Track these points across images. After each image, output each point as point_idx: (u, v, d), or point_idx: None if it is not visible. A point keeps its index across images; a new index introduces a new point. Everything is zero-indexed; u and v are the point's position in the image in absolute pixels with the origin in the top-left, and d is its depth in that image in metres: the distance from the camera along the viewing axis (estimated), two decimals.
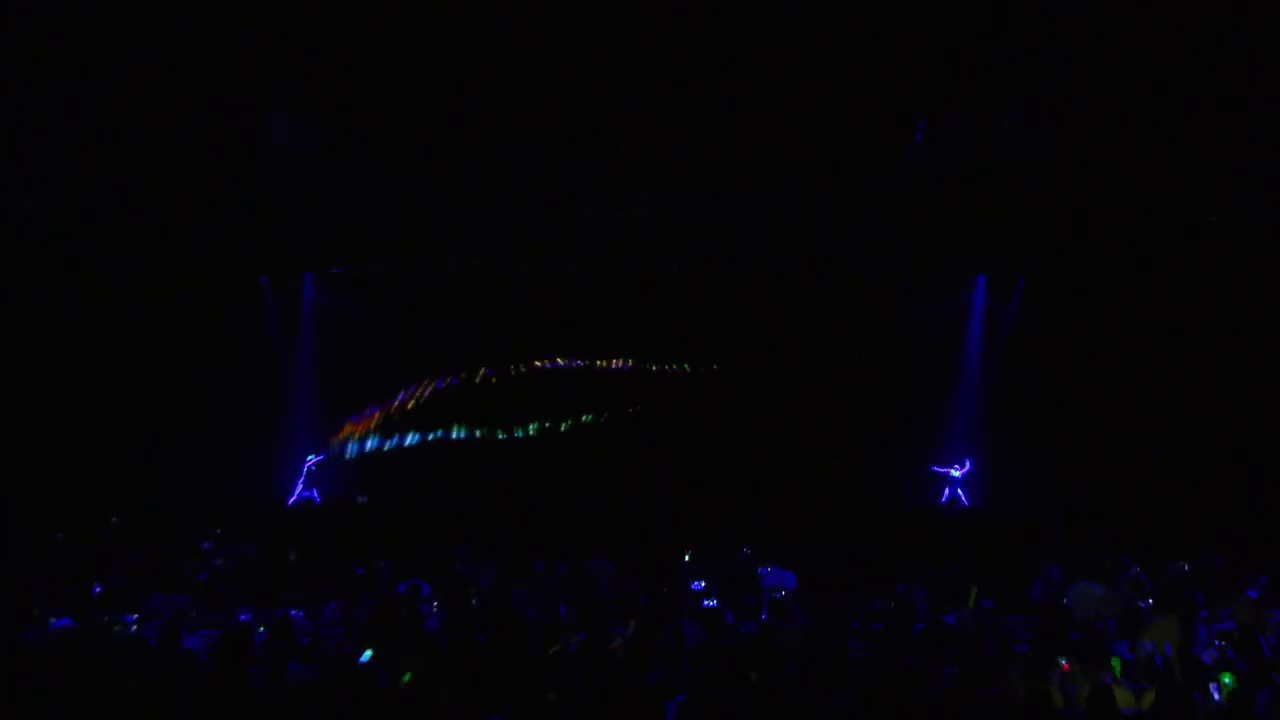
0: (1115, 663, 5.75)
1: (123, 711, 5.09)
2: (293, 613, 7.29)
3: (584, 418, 13.52)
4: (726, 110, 9.64)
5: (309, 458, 13.32)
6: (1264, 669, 5.25)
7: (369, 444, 13.83)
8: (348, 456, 13.76)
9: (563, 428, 13.62)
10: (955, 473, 12.45)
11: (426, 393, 13.80)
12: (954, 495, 12.46)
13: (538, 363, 13.83)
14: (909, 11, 8.60)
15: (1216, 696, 5.32)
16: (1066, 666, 5.45)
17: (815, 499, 12.03)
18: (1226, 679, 5.39)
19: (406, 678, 5.26)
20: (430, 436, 13.80)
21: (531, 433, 13.66)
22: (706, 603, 7.87)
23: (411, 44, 8.82)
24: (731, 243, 12.21)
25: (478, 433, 13.71)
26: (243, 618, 7.14)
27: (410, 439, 13.80)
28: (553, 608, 7.52)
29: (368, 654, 5.47)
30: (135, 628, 6.89)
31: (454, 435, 13.76)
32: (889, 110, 9.78)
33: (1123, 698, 5.26)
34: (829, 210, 11.82)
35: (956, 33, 8.79)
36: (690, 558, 9.51)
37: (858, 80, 9.25)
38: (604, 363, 13.80)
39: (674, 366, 13.74)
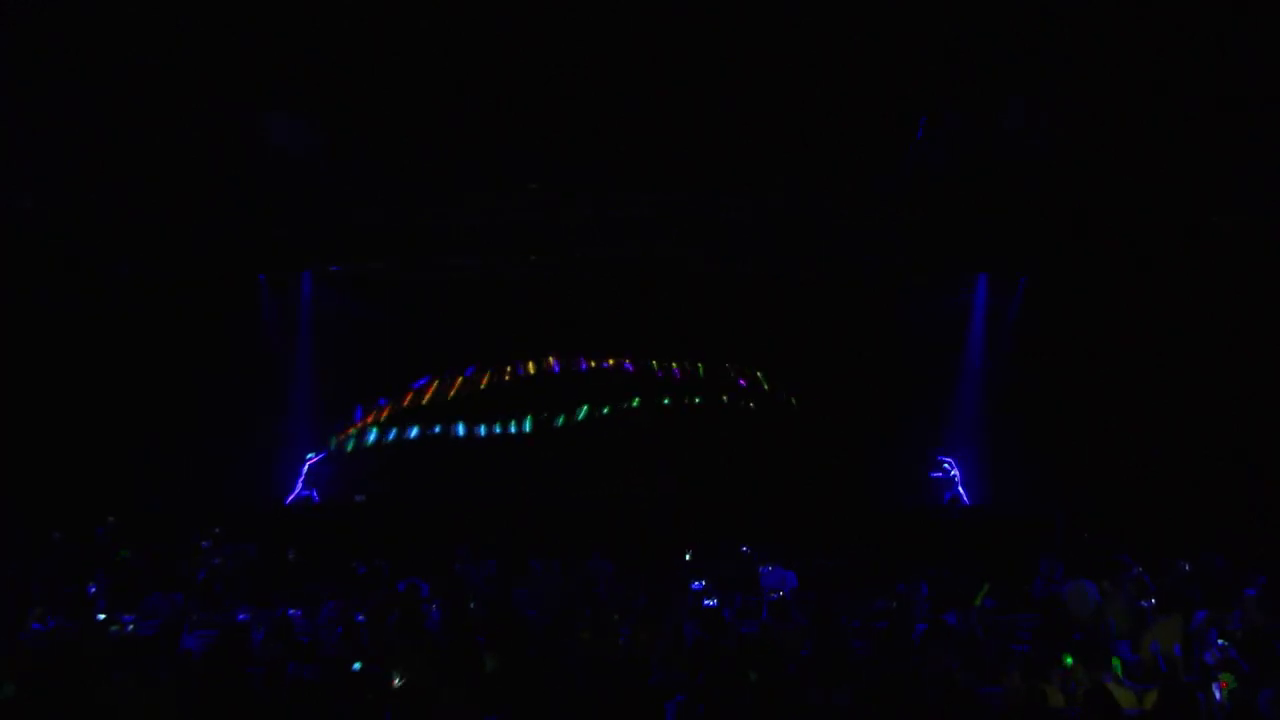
0: (1116, 662, 5.72)
1: (122, 711, 5.07)
2: (291, 612, 7.26)
3: (583, 416, 13.49)
4: (726, 110, 9.62)
5: (309, 456, 13.30)
6: (1267, 669, 5.22)
7: (369, 441, 13.80)
8: (347, 454, 13.74)
9: (562, 426, 13.57)
10: (953, 472, 12.43)
11: (428, 390, 13.77)
12: (955, 495, 12.44)
13: (538, 362, 13.80)
14: (909, 11, 8.59)
15: (1218, 696, 5.29)
16: (1070, 667, 5.42)
17: (815, 499, 12.01)
18: (1228, 679, 5.35)
19: (399, 679, 5.24)
20: (430, 435, 13.76)
21: (531, 431, 13.62)
22: (707, 602, 7.84)
23: (411, 44, 8.81)
24: (731, 242, 12.19)
25: (478, 431, 13.67)
26: (241, 617, 7.11)
27: (410, 437, 13.76)
28: (553, 607, 7.49)
29: (357, 665, 5.44)
30: (132, 627, 6.86)
31: (454, 433, 13.72)
32: (889, 110, 9.77)
33: (1124, 698, 5.23)
34: (829, 210, 11.80)
35: (956, 33, 8.78)
36: (690, 557, 9.49)
37: (858, 80, 9.23)
38: (607, 361, 13.77)
39: (674, 366, 13.72)
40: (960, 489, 12.42)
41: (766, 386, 13.49)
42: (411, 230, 12.18)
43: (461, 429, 13.79)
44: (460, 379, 13.82)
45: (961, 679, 5.39)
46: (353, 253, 12.87)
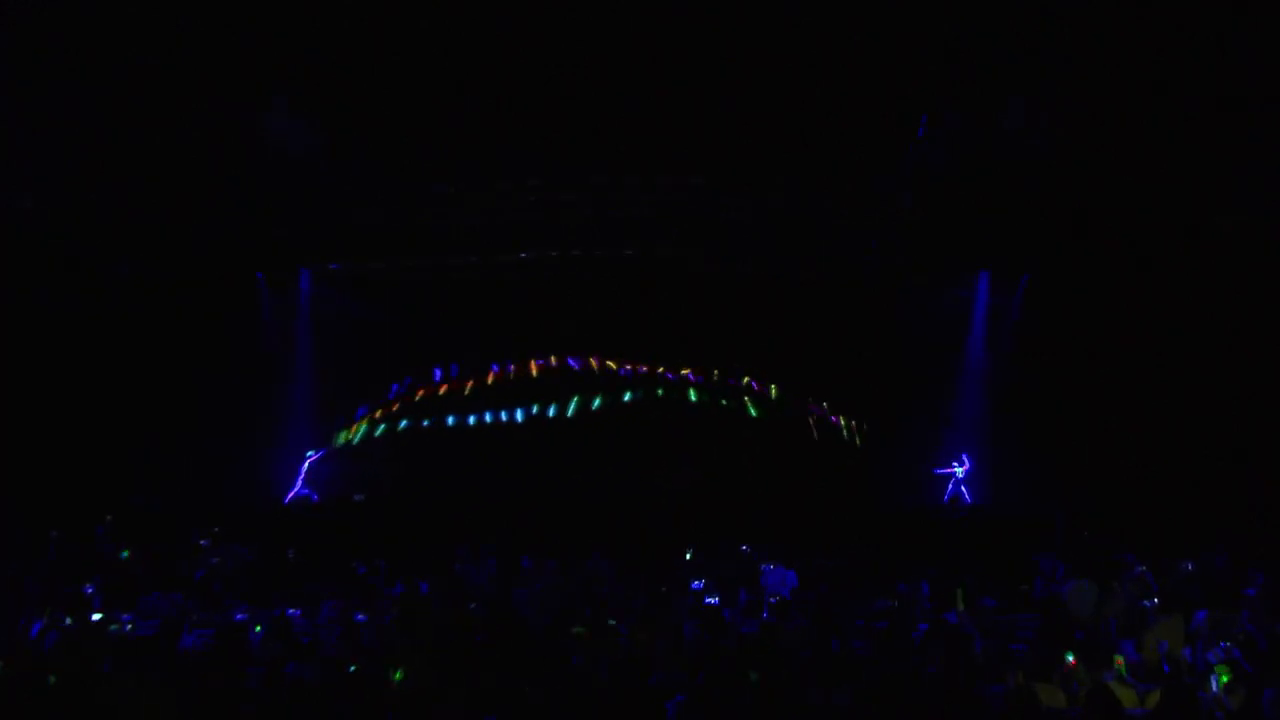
0: (1120, 661, 5.70)
1: (121, 712, 5.04)
2: (290, 612, 7.23)
3: (580, 412, 13.43)
4: (727, 109, 9.61)
5: (308, 454, 13.26)
6: (1270, 669, 5.19)
7: (375, 434, 13.76)
8: (348, 451, 13.71)
9: (561, 423, 13.51)
10: (959, 470, 12.38)
11: (428, 388, 13.74)
12: (957, 493, 12.41)
13: (539, 361, 13.76)
14: (909, 11, 8.58)
15: (1214, 689, 5.26)
16: (1073, 663, 5.39)
17: (815, 499, 11.99)
18: (1221, 670, 5.31)
19: (399, 676, 5.22)
20: (431, 431, 13.70)
21: (531, 429, 13.57)
22: (709, 599, 7.82)
23: (410, 42, 8.79)
24: (731, 242, 12.17)
25: (473, 423, 13.61)
26: (239, 617, 7.08)
27: (409, 435, 13.71)
28: (552, 608, 7.47)
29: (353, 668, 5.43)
30: (130, 627, 6.84)
31: (453, 431, 13.67)
32: (890, 110, 9.75)
33: (1127, 697, 5.20)
34: (829, 210, 11.78)
35: (956, 33, 8.77)
36: (691, 556, 9.46)
37: (858, 79, 9.23)
38: (607, 363, 13.73)
39: (674, 367, 13.69)
40: (963, 487, 12.40)
41: (774, 391, 13.44)
42: (411, 229, 12.17)
43: (462, 423, 13.74)
44: (459, 380, 13.81)
45: (962, 679, 5.36)
46: (352, 251, 12.85)
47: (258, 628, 6.52)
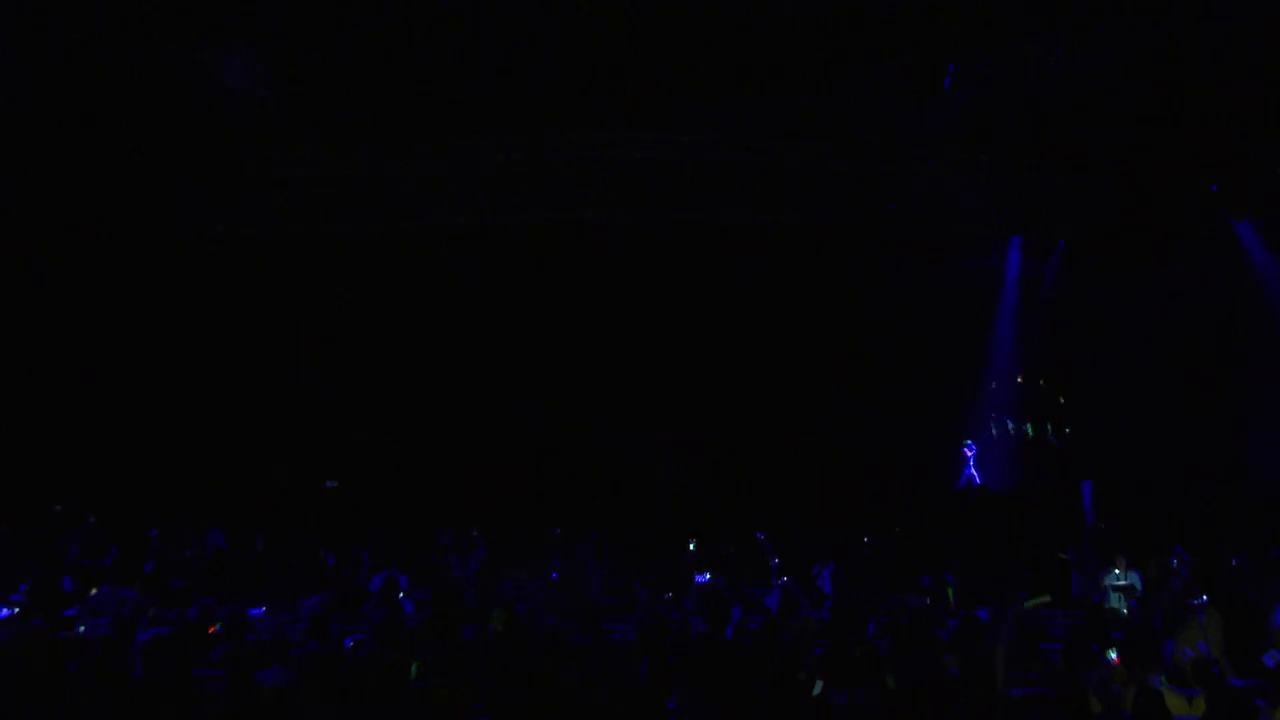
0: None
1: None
2: (254, 611, 7.11)
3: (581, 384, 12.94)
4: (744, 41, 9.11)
5: None
6: None
7: None
8: None
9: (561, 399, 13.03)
10: (968, 453, 12.30)
11: None
12: (969, 476, 12.29)
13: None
14: None
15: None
16: (1117, 660, 5.29)
17: (836, 482, 11.89)
18: None
19: (414, 669, 5.20)
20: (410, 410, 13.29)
21: (527, 404, 13.01)
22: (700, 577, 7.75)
23: None
24: (760, 193, 11.43)
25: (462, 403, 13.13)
26: (194, 613, 6.92)
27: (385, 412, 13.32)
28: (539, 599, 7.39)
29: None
30: (82, 627, 6.71)
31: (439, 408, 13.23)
32: (923, 51, 9.33)
33: (1174, 704, 5.09)
34: (861, 156, 11.10)
35: None
36: (695, 548, 9.35)
37: (888, 22, 8.86)
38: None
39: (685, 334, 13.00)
40: (973, 470, 12.23)
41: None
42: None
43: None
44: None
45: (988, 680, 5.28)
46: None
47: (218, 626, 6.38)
